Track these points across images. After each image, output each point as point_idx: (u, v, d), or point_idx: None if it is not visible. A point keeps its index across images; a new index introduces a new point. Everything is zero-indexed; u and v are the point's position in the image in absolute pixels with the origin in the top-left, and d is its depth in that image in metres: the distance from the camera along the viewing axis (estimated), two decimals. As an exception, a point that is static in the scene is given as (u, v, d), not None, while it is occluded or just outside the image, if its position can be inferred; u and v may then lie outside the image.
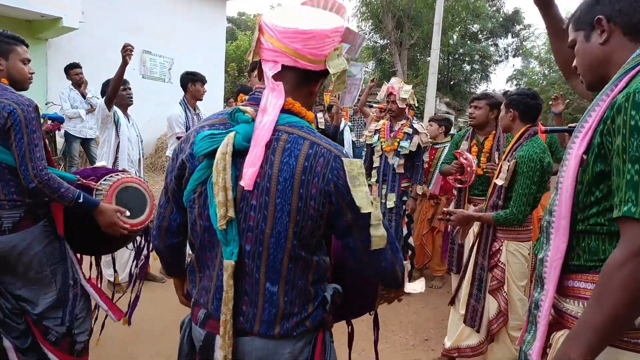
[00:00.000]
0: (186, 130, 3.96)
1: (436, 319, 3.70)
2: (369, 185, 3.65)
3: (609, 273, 0.94)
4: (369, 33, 21.60)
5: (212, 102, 9.31)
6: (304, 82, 1.12)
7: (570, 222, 1.10)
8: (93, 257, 2.44)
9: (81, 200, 1.90)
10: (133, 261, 2.56)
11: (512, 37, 23.05)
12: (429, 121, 4.77)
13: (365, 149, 4.40)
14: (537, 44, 20.26)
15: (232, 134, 1.02)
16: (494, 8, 22.24)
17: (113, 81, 3.34)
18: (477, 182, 3.22)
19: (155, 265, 2.67)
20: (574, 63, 1.29)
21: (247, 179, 1.00)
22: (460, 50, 22.12)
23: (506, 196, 2.47)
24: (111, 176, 2.16)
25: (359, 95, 5.20)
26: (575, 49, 1.24)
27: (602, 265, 1.00)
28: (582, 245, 1.12)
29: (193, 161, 1.08)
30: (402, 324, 3.60)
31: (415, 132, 3.99)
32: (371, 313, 1.47)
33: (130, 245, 2.44)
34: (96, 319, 2.38)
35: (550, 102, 3.94)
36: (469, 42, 21.92)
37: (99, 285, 2.47)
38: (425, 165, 4.19)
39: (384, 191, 4.05)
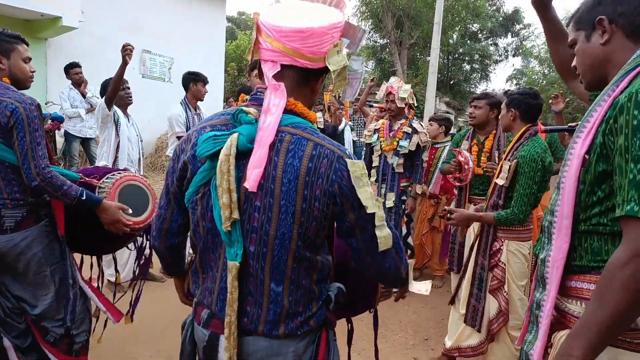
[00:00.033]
0: (186, 130, 3.97)
1: (436, 319, 3.70)
2: None
3: (611, 272, 0.94)
4: (369, 32, 21.59)
5: (212, 102, 9.31)
6: (305, 80, 1.11)
7: (572, 222, 1.10)
8: (94, 258, 2.44)
9: (84, 197, 1.91)
10: (135, 260, 2.56)
11: (512, 36, 23.06)
12: (429, 121, 4.77)
13: (364, 149, 4.40)
14: (537, 44, 20.28)
15: (235, 135, 1.01)
16: (494, 7, 22.25)
17: (113, 81, 3.34)
18: (477, 181, 3.22)
19: (155, 264, 2.67)
20: (573, 63, 1.29)
21: (252, 181, 0.99)
22: (460, 50, 22.11)
23: (507, 196, 2.47)
24: (113, 174, 2.16)
25: (359, 95, 5.21)
26: (576, 49, 1.24)
27: (604, 265, 1.00)
28: (584, 246, 1.12)
29: (195, 162, 1.07)
30: (402, 323, 3.60)
31: (415, 131, 3.99)
32: (371, 311, 1.47)
33: (131, 246, 2.44)
34: (97, 317, 2.38)
35: (550, 101, 3.94)
36: (468, 41, 21.91)
37: (101, 285, 2.48)
38: (425, 165, 4.19)
39: (383, 190, 4.06)
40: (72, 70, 6.05)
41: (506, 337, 2.58)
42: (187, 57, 9.70)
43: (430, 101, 11.62)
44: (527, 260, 2.57)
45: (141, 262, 2.54)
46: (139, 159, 3.80)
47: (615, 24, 1.12)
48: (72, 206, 1.91)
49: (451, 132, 4.70)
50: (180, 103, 4.03)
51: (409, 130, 4.00)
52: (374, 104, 7.01)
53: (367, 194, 1.05)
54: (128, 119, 3.72)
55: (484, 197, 3.03)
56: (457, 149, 3.26)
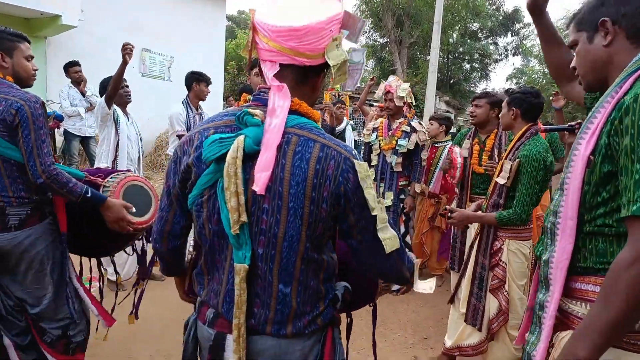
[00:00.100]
0: (187, 129, 3.97)
1: (435, 318, 3.70)
2: None
3: (616, 273, 0.94)
4: (369, 31, 21.61)
5: (212, 101, 9.27)
6: (305, 78, 1.10)
7: (576, 223, 1.10)
8: (93, 260, 2.44)
9: (89, 194, 1.91)
10: (137, 261, 2.57)
11: (512, 35, 23.07)
12: (430, 120, 4.76)
13: (363, 147, 4.40)
14: (536, 43, 20.24)
15: (241, 138, 1.00)
16: (494, 7, 22.25)
17: (113, 80, 3.34)
18: (478, 180, 3.22)
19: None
20: (573, 64, 1.29)
21: (260, 184, 0.97)
22: (460, 49, 22.12)
23: (507, 195, 2.46)
24: (118, 174, 2.19)
25: (359, 92, 5.20)
26: (577, 50, 1.24)
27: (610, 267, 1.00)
28: (588, 247, 1.11)
29: (200, 165, 1.06)
30: (401, 322, 3.61)
31: (413, 130, 3.99)
32: (371, 305, 1.47)
33: (129, 250, 2.45)
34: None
35: (550, 98, 3.95)
36: (468, 40, 21.92)
37: (102, 285, 2.48)
38: (424, 164, 4.19)
39: (381, 189, 4.06)
40: (71, 68, 6.04)
41: (505, 336, 2.58)
42: (186, 56, 9.69)
43: (430, 100, 11.62)
44: (528, 259, 2.57)
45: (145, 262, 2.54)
46: (139, 157, 3.79)
47: (619, 26, 1.12)
48: (77, 203, 1.92)
49: (451, 131, 4.69)
50: (182, 102, 4.04)
51: (408, 129, 4.00)
52: (374, 103, 7.01)
53: (371, 196, 1.04)
54: (127, 118, 3.71)
55: (485, 196, 3.03)
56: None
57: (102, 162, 3.53)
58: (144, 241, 2.51)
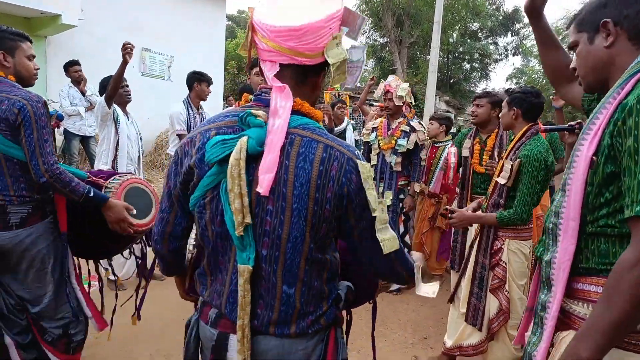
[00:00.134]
0: (187, 128, 3.97)
1: (435, 317, 3.71)
2: None
3: (619, 274, 0.94)
4: (369, 31, 21.60)
5: (212, 100, 9.25)
6: (305, 78, 1.09)
7: (579, 224, 1.10)
8: (91, 262, 2.45)
9: (91, 194, 1.92)
10: (137, 262, 2.58)
11: (512, 35, 23.06)
12: (430, 120, 4.76)
13: (362, 147, 4.40)
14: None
15: (244, 139, 0.99)
16: (494, 6, 22.23)
17: (113, 79, 3.34)
18: (479, 180, 3.22)
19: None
20: (573, 64, 1.30)
21: (265, 186, 0.97)
22: (460, 49, 22.11)
23: (508, 195, 2.46)
24: (120, 176, 2.20)
25: (359, 92, 5.19)
26: (577, 51, 1.24)
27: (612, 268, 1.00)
28: (590, 248, 1.11)
29: (202, 166, 1.05)
30: (401, 322, 3.61)
31: (413, 129, 3.99)
32: (370, 302, 1.47)
33: (126, 254, 2.45)
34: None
35: (551, 97, 3.94)
36: (468, 40, 21.91)
37: (101, 284, 2.49)
38: (423, 163, 4.19)
39: (381, 189, 4.06)
40: (71, 68, 6.04)
41: (505, 336, 2.58)
42: (186, 55, 9.68)
43: (430, 100, 11.62)
44: (528, 259, 2.57)
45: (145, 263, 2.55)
46: (139, 157, 3.79)
47: (620, 27, 1.12)
48: (79, 203, 1.92)
49: (451, 131, 4.68)
50: (183, 102, 4.06)
51: (407, 128, 4.00)
52: (374, 103, 7.01)
53: (372, 197, 1.04)
54: (127, 117, 3.71)
55: (485, 196, 3.03)
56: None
57: (102, 161, 3.53)
58: (143, 244, 2.52)
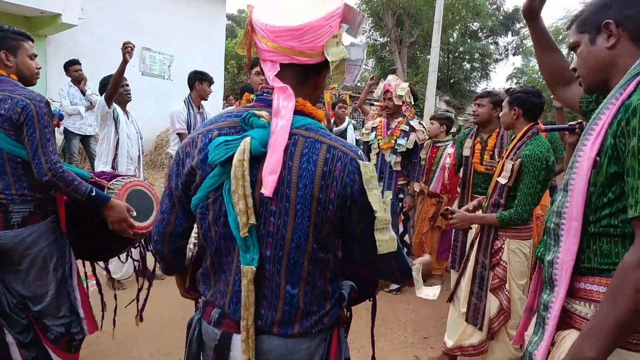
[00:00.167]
0: (187, 127, 3.98)
1: (435, 317, 3.71)
2: None
3: (624, 274, 0.95)
4: (369, 31, 21.59)
5: (212, 100, 9.23)
6: (306, 77, 1.08)
7: (581, 224, 1.11)
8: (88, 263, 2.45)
9: (94, 193, 1.93)
10: (137, 261, 2.58)
11: (512, 35, 23.05)
12: (431, 120, 4.75)
13: (362, 147, 4.40)
14: (537, 43, 20.21)
15: (247, 140, 0.99)
16: (494, 6, 22.21)
17: (114, 78, 3.34)
18: (479, 179, 3.22)
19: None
20: (573, 65, 1.30)
21: (269, 187, 0.97)
22: (460, 49, 22.11)
23: (508, 195, 2.46)
24: (123, 178, 2.22)
25: (359, 92, 5.19)
26: (578, 51, 1.24)
27: (615, 268, 1.00)
28: (592, 248, 1.12)
29: (205, 167, 1.05)
30: (401, 321, 3.61)
31: (412, 129, 3.99)
32: (370, 299, 1.47)
33: (123, 256, 2.46)
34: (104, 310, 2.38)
35: (551, 97, 3.94)
36: (469, 40, 21.91)
37: (99, 285, 2.49)
38: (423, 163, 4.18)
39: (380, 189, 4.05)
40: (71, 67, 6.03)
41: (505, 336, 2.58)
42: (187, 55, 9.69)
43: (431, 100, 11.61)
44: (528, 259, 2.57)
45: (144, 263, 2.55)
46: (139, 156, 3.79)
47: (622, 28, 1.12)
48: (81, 202, 1.93)
49: (451, 131, 4.68)
50: (184, 101, 4.08)
51: (407, 128, 4.00)
52: (374, 103, 7.01)
53: (376, 197, 1.04)
54: (127, 117, 3.71)
55: (486, 196, 3.03)
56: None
57: (102, 160, 3.53)
58: (142, 248, 2.52)
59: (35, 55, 2.06)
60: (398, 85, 4.01)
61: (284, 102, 1.01)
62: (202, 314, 1.17)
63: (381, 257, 1.10)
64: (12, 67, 1.96)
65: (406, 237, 4.40)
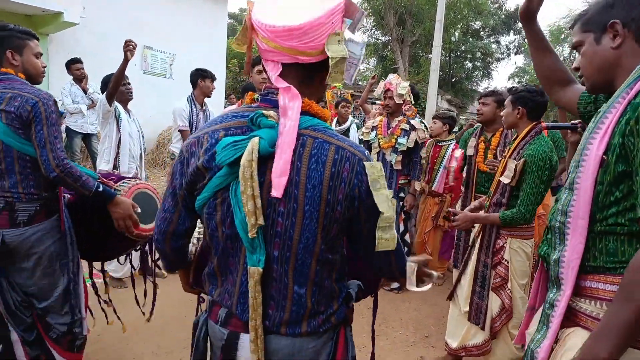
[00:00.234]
0: (189, 125, 3.98)
1: (436, 316, 3.71)
2: None
3: (634, 272, 0.95)
4: (371, 30, 21.57)
5: (213, 98, 9.22)
6: (309, 76, 1.07)
7: (588, 222, 1.11)
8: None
9: (101, 189, 1.95)
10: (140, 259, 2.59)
11: (514, 34, 22.95)
12: (433, 119, 4.73)
13: (363, 146, 4.40)
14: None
15: (256, 140, 0.98)
16: (496, 5, 22.15)
17: (115, 77, 3.34)
18: (483, 179, 3.21)
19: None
20: (576, 64, 1.30)
21: (279, 189, 0.96)
22: (462, 48, 22.05)
23: (511, 194, 2.45)
24: (129, 180, 2.24)
25: (361, 92, 5.19)
26: (583, 51, 1.24)
27: (621, 267, 1.01)
28: (598, 247, 1.12)
29: (211, 167, 1.04)
30: (403, 320, 3.61)
31: (413, 128, 3.98)
32: (372, 296, 1.47)
33: (122, 259, 2.47)
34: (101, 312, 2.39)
35: None
36: (470, 39, 21.86)
37: (106, 281, 2.51)
38: (423, 162, 4.18)
39: None
40: (73, 65, 6.04)
41: (507, 335, 2.58)
42: (188, 53, 9.68)
43: (432, 99, 11.59)
44: (529, 258, 2.57)
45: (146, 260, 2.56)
46: (141, 154, 3.79)
47: (628, 29, 1.13)
48: (88, 198, 1.95)
49: (454, 130, 4.67)
50: (187, 98, 4.09)
51: (407, 127, 3.99)
52: (376, 101, 7.00)
53: (383, 197, 1.03)
54: (129, 115, 3.71)
55: (487, 195, 3.02)
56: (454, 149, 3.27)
57: (104, 159, 3.54)
58: (143, 248, 2.53)
59: (41, 54, 2.08)
60: (399, 84, 4.01)
61: (290, 102, 1.01)
62: (209, 313, 1.17)
63: (380, 254, 1.11)
64: (18, 66, 1.97)
65: (407, 237, 4.40)
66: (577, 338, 1.14)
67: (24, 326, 2.01)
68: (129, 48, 3.17)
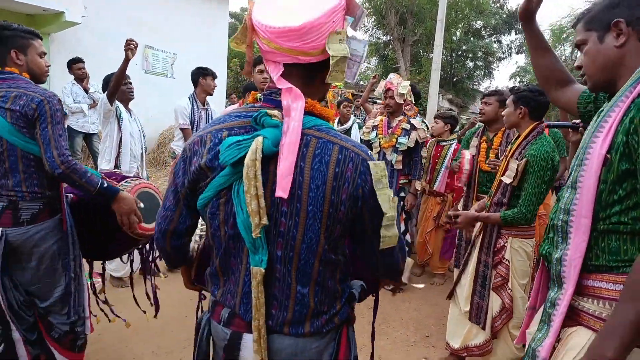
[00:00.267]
0: (191, 123, 3.98)
1: (437, 316, 3.70)
2: None
3: None
4: (372, 29, 21.55)
5: (214, 98, 9.26)
6: (311, 76, 1.06)
7: (591, 221, 1.11)
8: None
9: (105, 185, 1.97)
10: (141, 257, 2.60)
11: (516, 33, 22.92)
12: (435, 118, 4.72)
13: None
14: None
15: (260, 139, 0.97)
16: (498, 4, 22.13)
17: (115, 76, 3.35)
18: (485, 179, 3.21)
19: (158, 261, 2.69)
20: (578, 63, 1.30)
21: (283, 190, 0.96)
22: (464, 47, 22.04)
23: (512, 194, 2.45)
24: (132, 179, 2.25)
25: (362, 92, 5.17)
26: (586, 49, 1.24)
27: (624, 266, 1.01)
28: (601, 245, 1.12)
29: (214, 167, 1.04)
30: (403, 320, 3.61)
31: (413, 127, 3.98)
32: (373, 295, 1.47)
33: (125, 258, 2.48)
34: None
35: None
36: (472, 38, 21.84)
37: (104, 281, 2.52)
38: (424, 161, 4.17)
39: None
40: (75, 65, 6.04)
41: (507, 335, 2.58)
42: (189, 53, 9.70)
43: (433, 98, 11.58)
44: (530, 258, 2.56)
45: (149, 260, 2.57)
46: (142, 154, 3.79)
47: (632, 27, 1.13)
48: (92, 195, 1.96)
49: (455, 130, 4.65)
50: (189, 97, 4.09)
51: (408, 126, 3.99)
52: (378, 101, 6.99)
53: (386, 196, 1.04)
54: (130, 114, 3.72)
55: (489, 195, 3.02)
56: (464, 151, 3.26)
57: (105, 158, 3.54)
58: (145, 251, 2.54)
59: (45, 54, 2.09)
60: (399, 83, 4.00)
61: (294, 102, 1.00)
62: (212, 313, 1.17)
63: (384, 251, 1.11)
64: (22, 66, 1.98)
65: (407, 237, 4.39)
66: (579, 337, 1.14)
67: (26, 325, 2.01)
68: (129, 47, 3.17)
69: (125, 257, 2.49)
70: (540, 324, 1.25)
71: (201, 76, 4.06)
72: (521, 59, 26.74)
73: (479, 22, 21.75)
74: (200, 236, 3.79)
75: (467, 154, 3.21)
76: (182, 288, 1.53)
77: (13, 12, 7.16)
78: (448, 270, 4.55)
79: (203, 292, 1.46)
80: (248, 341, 1.07)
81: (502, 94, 3.24)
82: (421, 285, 4.45)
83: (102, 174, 2.17)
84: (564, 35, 18.73)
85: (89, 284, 2.39)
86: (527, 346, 1.34)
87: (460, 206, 3.38)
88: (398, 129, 4.00)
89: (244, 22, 1.06)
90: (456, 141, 4.51)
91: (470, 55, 22.64)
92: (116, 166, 3.52)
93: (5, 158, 1.86)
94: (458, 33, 21.52)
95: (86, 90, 6.22)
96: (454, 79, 22.92)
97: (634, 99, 1.04)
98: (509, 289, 2.52)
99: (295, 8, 1.00)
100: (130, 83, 3.70)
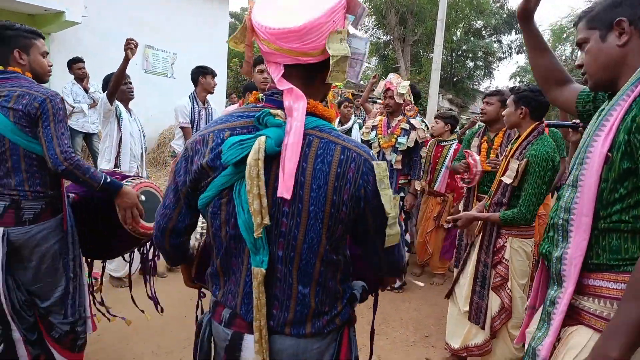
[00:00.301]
0: (191, 122, 3.99)
1: (436, 316, 3.70)
2: None
3: None
4: (372, 29, 21.55)
5: (215, 97, 9.26)
6: (313, 76, 1.06)
7: (592, 219, 1.11)
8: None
9: (108, 180, 1.97)
10: (141, 257, 2.60)
11: (516, 33, 22.91)
12: (435, 118, 4.72)
13: None
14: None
15: (263, 138, 0.97)
16: (498, 4, 22.13)
17: (115, 76, 3.35)
18: (485, 179, 3.20)
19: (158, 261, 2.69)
20: (579, 62, 1.30)
21: (288, 190, 0.96)
22: (464, 47, 22.03)
23: (512, 194, 2.45)
24: (133, 178, 2.26)
25: (362, 92, 5.17)
26: (587, 48, 1.24)
27: (625, 264, 1.01)
28: (601, 244, 1.12)
29: (216, 166, 1.03)
30: (403, 320, 3.61)
31: (412, 127, 3.98)
32: (373, 294, 1.48)
33: (127, 257, 2.48)
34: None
35: None
36: (472, 38, 21.83)
37: (102, 280, 2.51)
38: (423, 161, 4.16)
39: None
40: (75, 65, 6.05)
41: (506, 335, 2.58)
42: (189, 52, 9.69)
43: (434, 98, 11.57)
44: (529, 258, 2.56)
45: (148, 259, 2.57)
46: (142, 154, 3.79)
47: (634, 26, 1.13)
48: (92, 198, 1.97)
49: (455, 130, 4.65)
50: (189, 96, 4.10)
51: (407, 126, 3.99)
52: (378, 100, 6.99)
53: (388, 196, 1.04)
54: (130, 114, 3.72)
55: (488, 195, 3.01)
56: (468, 151, 3.24)
57: (105, 158, 3.54)
58: (145, 250, 2.54)
59: (47, 53, 2.09)
60: (399, 83, 4.00)
61: (295, 103, 1.00)
62: (213, 314, 1.17)
63: (385, 250, 1.12)
64: (25, 65, 1.98)
65: (407, 236, 4.39)
66: (580, 336, 1.14)
67: (27, 325, 2.02)
68: (129, 47, 3.17)
69: (126, 256, 2.49)
70: (540, 323, 1.25)
71: (201, 75, 4.07)
72: (521, 59, 26.73)
73: (479, 22, 21.75)
74: (201, 234, 3.79)
75: (476, 156, 3.20)
76: (182, 288, 1.53)
77: (14, 12, 7.17)
78: (448, 271, 4.55)
79: (203, 290, 1.46)
80: (249, 342, 1.07)
81: (503, 94, 3.24)
82: (421, 284, 4.45)
83: (104, 174, 2.18)
84: (564, 35, 18.73)
85: (89, 284, 2.39)
86: (526, 345, 1.34)
87: (460, 206, 3.38)
88: (397, 129, 3.99)
89: (244, 22, 1.05)
90: (456, 141, 4.50)
91: (470, 55, 22.64)
92: (116, 166, 3.53)
93: (7, 157, 1.86)
94: (458, 33, 21.52)
95: (86, 90, 6.22)
96: (454, 79, 22.91)
97: (635, 97, 1.05)
98: (509, 288, 2.52)
99: (295, 8, 0.99)
100: (130, 83, 3.71)
